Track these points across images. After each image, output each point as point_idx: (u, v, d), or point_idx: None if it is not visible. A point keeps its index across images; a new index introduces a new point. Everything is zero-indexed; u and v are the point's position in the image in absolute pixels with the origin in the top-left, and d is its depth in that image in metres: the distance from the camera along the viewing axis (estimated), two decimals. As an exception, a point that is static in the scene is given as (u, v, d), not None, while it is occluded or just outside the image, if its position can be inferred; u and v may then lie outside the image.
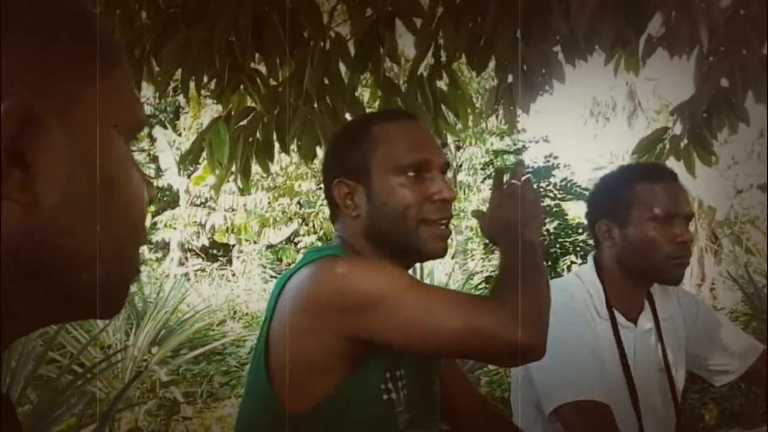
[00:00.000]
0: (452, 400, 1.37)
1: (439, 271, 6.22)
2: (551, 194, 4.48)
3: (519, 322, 0.99)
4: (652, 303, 1.67)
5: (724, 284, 6.44)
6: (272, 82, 2.62)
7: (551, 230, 4.29)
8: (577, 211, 4.64)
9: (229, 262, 11.60)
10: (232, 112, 2.52)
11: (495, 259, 5.15)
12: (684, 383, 1.71)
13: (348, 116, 2.58)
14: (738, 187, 8.36)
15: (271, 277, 9.88)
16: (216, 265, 11.07)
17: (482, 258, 5.16)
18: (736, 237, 7.77)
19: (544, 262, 1.13)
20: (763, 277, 4.55)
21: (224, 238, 11.34)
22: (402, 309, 1.03)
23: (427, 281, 4.58)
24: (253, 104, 2.56)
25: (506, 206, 1.23)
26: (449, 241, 1.25)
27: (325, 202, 1.45)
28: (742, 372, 1.66)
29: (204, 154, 2.44)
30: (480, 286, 4.56)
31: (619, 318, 1.59)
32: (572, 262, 4.14)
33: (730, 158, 8.47)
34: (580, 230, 4.29)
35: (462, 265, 7.76)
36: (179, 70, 2.37)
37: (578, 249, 4.17)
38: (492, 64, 2.68)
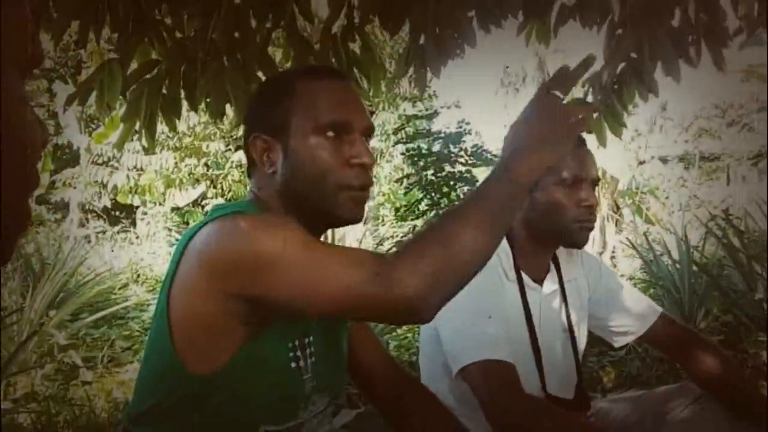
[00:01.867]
0: (363, 363, 1.36)
1: (350, 237, 6.23)
2: (462, 160, 4.53)
3: (411, 279, 0.95)
4: (558, 265, 1.71)
5: (624, 252, 6.71)
6: (178, 35, 2.51)
7: (461, 195, 4.34)
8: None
9: (133, 224, 11.26)
10: (135, 65, 2.40)
11: (406, 225, 5.19)
12: (585, 345, 1.77)
13: (260, 74, 2.52)
14: (640, 158, 8.70)
15: (177, 240, 9.61)
16: (119, 227, 10.73)
17: (393, 224, 5.19)
18: (636, 207, 8.10)
19: (506, 217, 1.04)
20: (661, 246, 4.76)
21: (128, 199, 10.98)
22: (295, 269, 0.98)
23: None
24: (159, 58, 2.45)
25: (533, 122, 1.09)
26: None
27: (234, 164, 1.39)
28: (641, 333, 1.72)
29: (93, 96, 2.27)
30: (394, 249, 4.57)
31: (527, 280, 1.62)
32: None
33: (633, 130, 8.79)
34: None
35: (373, 231, 7.78)
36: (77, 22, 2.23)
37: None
38: (407, 27, 2.66)
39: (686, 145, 11.78)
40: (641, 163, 8.79)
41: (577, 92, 3.25)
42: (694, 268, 3.96)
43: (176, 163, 11.12)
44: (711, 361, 1.62)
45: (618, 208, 7.91)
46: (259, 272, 0.99)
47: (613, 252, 7.34)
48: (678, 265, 4.02)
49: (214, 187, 11.76)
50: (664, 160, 9.84)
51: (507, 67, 14.57)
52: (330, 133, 1.12)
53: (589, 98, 2.78)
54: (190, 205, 11.47)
